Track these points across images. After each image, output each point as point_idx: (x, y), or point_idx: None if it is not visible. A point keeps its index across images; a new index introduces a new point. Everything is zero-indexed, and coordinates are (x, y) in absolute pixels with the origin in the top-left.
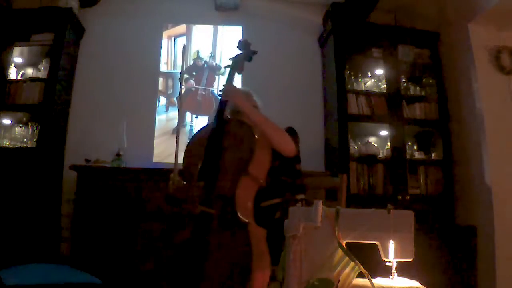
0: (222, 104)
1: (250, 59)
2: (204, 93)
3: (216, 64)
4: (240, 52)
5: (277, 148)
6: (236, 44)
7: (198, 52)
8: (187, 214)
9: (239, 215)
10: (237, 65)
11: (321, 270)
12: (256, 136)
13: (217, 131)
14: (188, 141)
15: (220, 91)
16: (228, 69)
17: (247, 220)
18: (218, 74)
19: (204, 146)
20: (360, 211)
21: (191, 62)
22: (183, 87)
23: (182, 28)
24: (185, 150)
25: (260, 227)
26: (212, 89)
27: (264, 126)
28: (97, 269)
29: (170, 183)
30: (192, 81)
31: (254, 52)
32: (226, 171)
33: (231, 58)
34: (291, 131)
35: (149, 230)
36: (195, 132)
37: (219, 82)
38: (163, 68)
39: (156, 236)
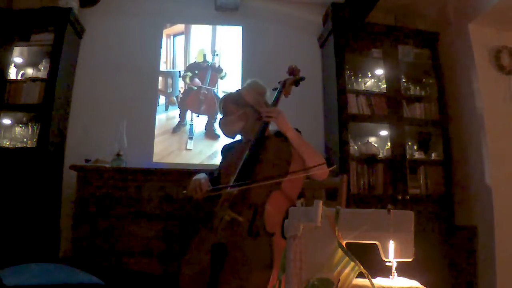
0: (266, 123)
1: (297, 84)
2: (206, 92)
3: (218, 66)
4: (289, 77)
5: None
6: (286, 68)
7: (204, 55)
8: (220, 218)
9: (266, 227)
10: (285, 88)
11: (321, 270)
12: (293, 155)
13: (257, 144)
14: (223, 148)
15: (264, 111)
16: (274, 92)
17: (273, 232)
18: (219, 76)
19: (241, 156)
20: (360, 211)
21: (193, 60)
22: (193, 87)
23: (180, 27)
24: (223, 157)
25: (284, 239)
26: (214, 88)
27: (302, 149)
28: (97, 270)
29: (198, 189)
30: (197, 80)
31: (302, 78)
32: (261, 181)
33: (280, 82)
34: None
35: (149, 230)
36: (232, 142)
37: (221, 81)
38: (162, 67)
39: (156, 236)
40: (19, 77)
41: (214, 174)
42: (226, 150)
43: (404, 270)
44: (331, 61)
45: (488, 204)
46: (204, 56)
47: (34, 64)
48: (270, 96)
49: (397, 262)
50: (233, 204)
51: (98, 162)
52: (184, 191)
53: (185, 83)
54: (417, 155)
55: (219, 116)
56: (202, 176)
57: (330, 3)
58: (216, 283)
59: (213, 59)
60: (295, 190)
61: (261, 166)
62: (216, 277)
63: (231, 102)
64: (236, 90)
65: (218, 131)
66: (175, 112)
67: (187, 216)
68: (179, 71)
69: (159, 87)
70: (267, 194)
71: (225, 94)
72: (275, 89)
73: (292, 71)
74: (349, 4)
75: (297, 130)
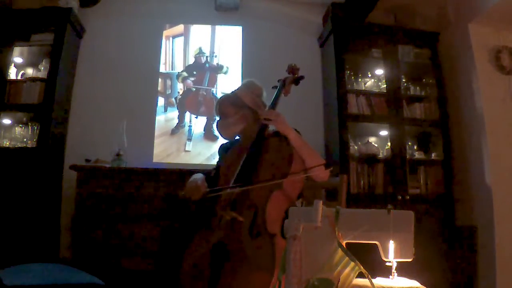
0: (265, 125)
1: (297, 83)
2: (205, 93)
3: (217, 64)
4: (289, 75)
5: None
6: (286, 68)
7: (200, 48)
8: (219, 217)
9: (267, 227)
10: (284, 87)
11: (321, 270)
12: (294, 155)
13: (257, 145)
14: (221, 148)
15: (263, 114)
16: (273, 90)
17: (274, 232)
18: (220, 73)
19: (240, 157)
20: (360, 211)
21: (192, 60)
22: (192, 88)
23: (179, 28)
24: (220, 157)
25: (284, 239)
26: (212, 89)
27: (303, 150)
28: (97, 270)
29: (195, 190)
30: (189, 81)
31: (302, 77)
32: (261, 181)
33: (279, 80)
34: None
35: (149, 230)
36: (229, 142)
37: (220, 82)
38: (161, 68)
39: (156, 236)
40: (19, 77)
41: (211, 174)
42: (223, 149)
43: (404, 270)
44: (331, 61)
45: (488, 204)
46: (200, 48)
47: (34, 64)
48: (267, 96)
49: (397, 262)
50: (233, 204)
51: (98, 162)
52: (182, 192)
53: (178, 82)
54: (417, 155)
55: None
56: (199, 176)
57: (330, 3)
58: (217, 283)
59: (211, 60)
60: (295, 190)
61: (261, 167)
62: (217, 277)
63: (229, 104)
64: (232, 91)
65: (217, 132)
66: (174, 113)
67: (186, 216)
68: (178, 73)
69: (158, 88)
70: (268, 194)
71: (221, 95)
72: (274, 87)
73: (292, 70)
74: (349, 4)
75: (296, 130)
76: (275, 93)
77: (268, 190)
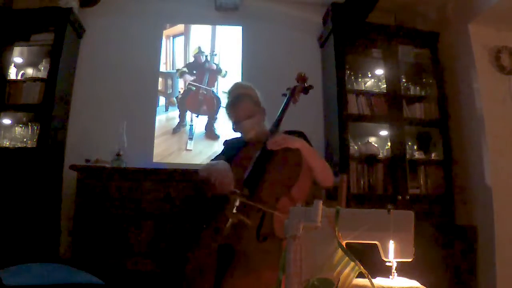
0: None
1: (306, 92)
2: (205, 92)
3: (216, 66)
4: (298, 84)
5: (317, 180)
6: (295, 76)
7: (199, 47)
8: (226, 219)
9: (276, 231)
10: (293, 96)
11: (321, 270)
12: (302, 161)
13: (266, 150)
14: (226, 142)
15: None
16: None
17: (282, 237)
18: (219, 76)
19: (250, 160)
20: (360, 211)
21: (192, 59)
22: (192, 87)
23: (180, 27)
24: (226, 152)
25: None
26: (213, 88)
27: (311, 159)
28: (97, 270)
29: (223, 184)
30: (188, 76)
31: (311, 86)
32: (269, 187)
33: (289, 89)
34: (302, 136)
35: (149, 230)
36: (235, 138)
37: (220, 82)
38: (161, 68)
39: (156, 236)
40: (19, 77)
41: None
42: (229, 144)
43: (404, 270)
44: (331, 61)
45: (488, 204)
46: (199, 48)
47: (34, 64)
48: (272, 103)
49: (397, 262)
50: (241, 207)
51: (98, 162)
52: (203, 174)
53: (177, 77)
54: (417, 155)
55: (219, 116)
56: (227, 166)
57: (330, 3)
58: (222, 284)
59: (212, 60)
60: (303, 195)
61: (273, 169)
62: (222, 278)
63: (251, 104)
64: (239, 95)
65: (218, 131)
66: (175, 113)
67: (187, 216)
68: (178, 69)
69: (159, 88)
70: (276, 199)
71: (235, 99)
72: (284, 95)
73: (301, 79)
74: (349, 4)
75: (303, 133)
76: (284, 101)
77: (276, 196)
